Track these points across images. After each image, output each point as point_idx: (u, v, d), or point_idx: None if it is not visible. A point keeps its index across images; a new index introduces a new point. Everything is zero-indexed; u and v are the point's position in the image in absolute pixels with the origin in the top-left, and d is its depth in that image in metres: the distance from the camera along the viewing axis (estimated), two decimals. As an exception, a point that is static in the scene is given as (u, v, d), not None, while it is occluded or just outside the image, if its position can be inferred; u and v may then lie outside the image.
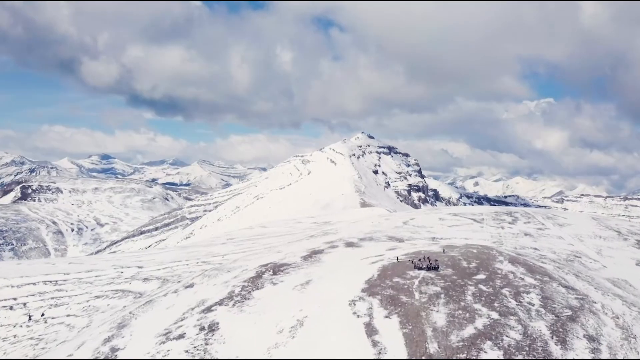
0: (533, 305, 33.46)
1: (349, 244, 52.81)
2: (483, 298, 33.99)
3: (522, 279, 37.90)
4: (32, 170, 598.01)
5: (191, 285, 48.08)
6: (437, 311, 32.03)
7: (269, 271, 44.43)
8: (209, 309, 38.74)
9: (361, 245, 52.53)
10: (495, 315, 31.69)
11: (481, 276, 37.93)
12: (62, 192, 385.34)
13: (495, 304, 33.15)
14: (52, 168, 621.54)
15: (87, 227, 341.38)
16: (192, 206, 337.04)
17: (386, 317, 31.65)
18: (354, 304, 33.32)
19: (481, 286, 35.88)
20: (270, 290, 40.02)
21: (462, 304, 33.06)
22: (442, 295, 34.12)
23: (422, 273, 38.31)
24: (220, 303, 39.41)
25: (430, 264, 39.43)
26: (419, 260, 40.46)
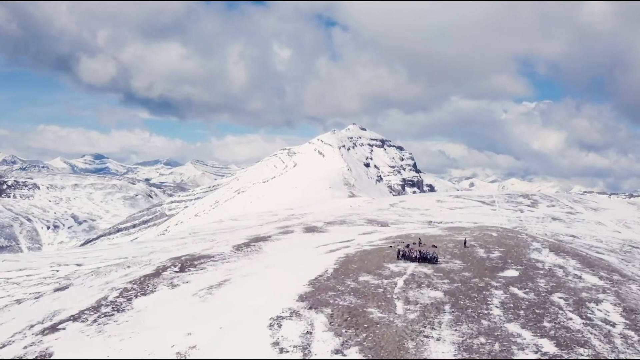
0: (613, 324, 18.07)
1: (310, 229, 37.17)
2: (521, 312, 18.50)
3: (580, 277, 22.42)
4: (22, 169, 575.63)
5: (64, 288, 32.51)
6: (439, 339, 16.48)
7: (175, 267, 28.79)
8: (54, 328, 23.22)
9: (326, 230, 36.88)
10: (549, 346, 16.34)
11: (512, 272, 22.37)
12: (39, 188, 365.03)
13: (546, 323, 17.73)
14: (43, 167, 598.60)
15: (64, 225, 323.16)
16: (172, 202, 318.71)
17: (337, 351, 15.97)
18: (279, 326, 17.52)
19: (515, 289, 20.36)
20: (162, 297, 24.42)
21: (485, 323, 17.54)
22: (447, 307, 18.54)
23: (412, 267, 22.63)
24: (76, 317, 23.83)
25: (426, 252, 23.75)
26: (407, 246, 24.78)
